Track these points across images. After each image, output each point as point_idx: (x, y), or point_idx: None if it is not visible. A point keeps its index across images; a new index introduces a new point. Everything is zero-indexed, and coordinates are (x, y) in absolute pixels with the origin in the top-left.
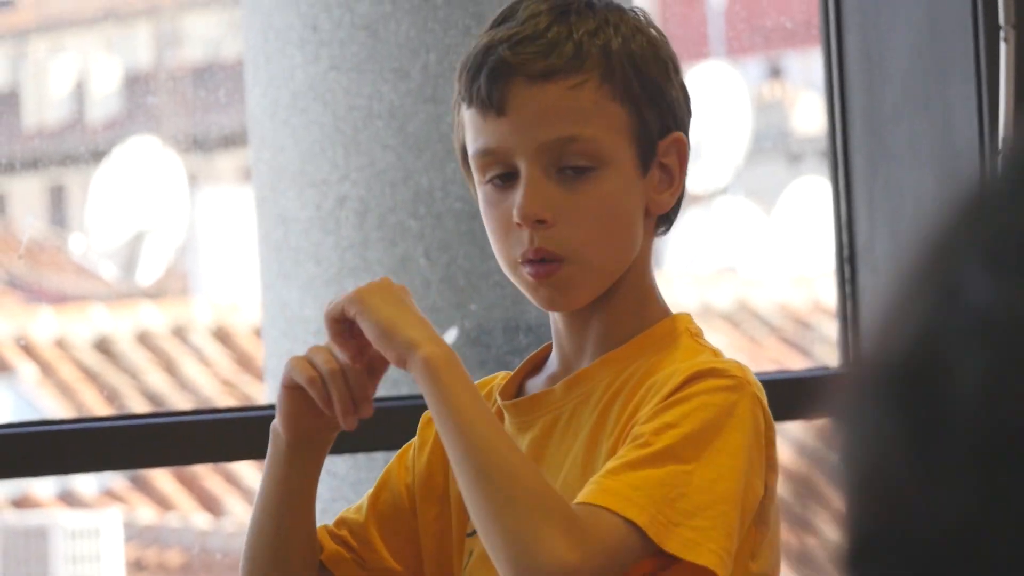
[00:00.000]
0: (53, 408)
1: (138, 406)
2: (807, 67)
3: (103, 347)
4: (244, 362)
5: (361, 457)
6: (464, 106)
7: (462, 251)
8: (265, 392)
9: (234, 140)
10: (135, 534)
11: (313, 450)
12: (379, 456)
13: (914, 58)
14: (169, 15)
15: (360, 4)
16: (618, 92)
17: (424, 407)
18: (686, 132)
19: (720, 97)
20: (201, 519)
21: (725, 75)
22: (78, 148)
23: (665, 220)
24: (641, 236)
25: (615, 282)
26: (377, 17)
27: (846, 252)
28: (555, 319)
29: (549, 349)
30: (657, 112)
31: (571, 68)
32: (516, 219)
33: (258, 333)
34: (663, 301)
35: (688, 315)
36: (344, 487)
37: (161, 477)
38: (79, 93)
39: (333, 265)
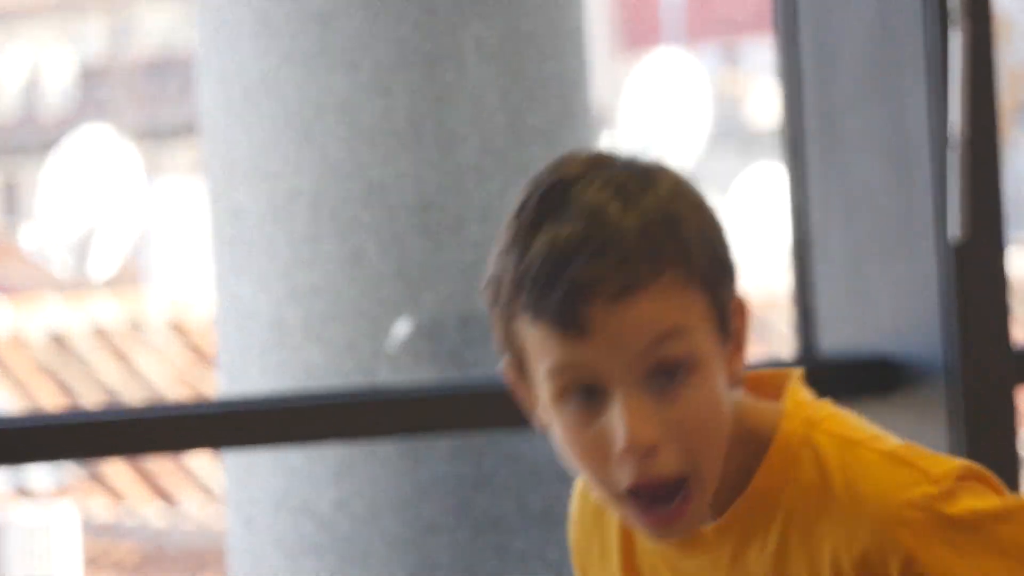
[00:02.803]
0: (7, 402)
1: (93, 399)
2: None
3: (57, 340)
4: (200, 355)
5: (314, 452)
6: (526, 317)
7: (415, 244)
8: (218, 385)
9: (189, 131)
10: (90, 529)
11: None
12: (331, 450)
13: (867, 47)
14: (123, 8)
15: None
16: (700, 284)
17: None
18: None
19: (678, 83)
20: (157, 513)
21: (682, 62)
22: (31, 140)
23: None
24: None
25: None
26: (328, 10)
27: (799, 242)
28: None
29: None
30: (727, 281)
31: (653, 276)
32: (622, 448)
33: (213, 326)
34: (757, 409)
35: (796, 395)
36: (296, 479)
37: (117, 472)
38: (32, 86)
39: (286, 258)
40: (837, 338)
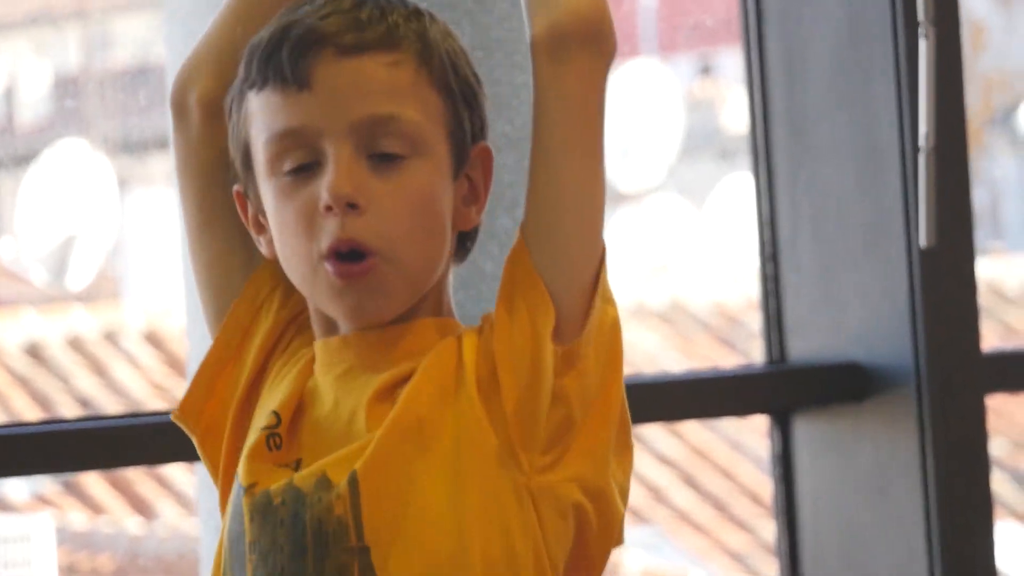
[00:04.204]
0: None
1: (69, 411)
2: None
3: (33, 352)
4: (175, 366)
5: None
6: (252, 93)
7: None
8: None
9: (164, 143)
10: (67, 539)
11: None
12: None
13: (834, 56)
14: (98, 18)
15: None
16: (436, 80)
17: None
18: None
19: (652, 95)
20: (133, 523)
21: (656, 72)
22: (7, 151)
23: (464, 243)
24: (449, 247)
25: (414, 305)
26: None
27: (768, 250)
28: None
29: None
30: (469, 114)
31: (387, 44)
32: (325, 202)
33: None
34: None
35: None
36: None
37: (93, 482)
38: (8, 96)
39: None
40: (807, 345)
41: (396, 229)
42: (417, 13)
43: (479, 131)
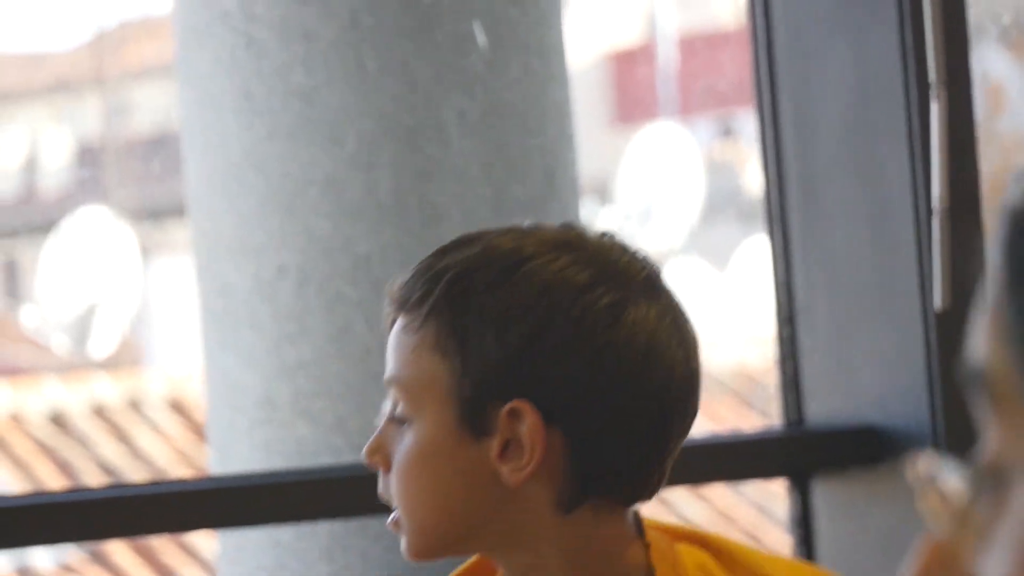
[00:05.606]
0: (7, 482)
1: (93, 478)
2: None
3: (57, 420)
4: (199, 432)
5: (305, 528)
6: None
7: None
8: (210, 461)
9: (185, 211)
10: None
11: None
12: (323, 526)
13: (846, 118)
14: (116, 86)
15: (294, 72)
16: (440, 343)
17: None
18: (545, 399)
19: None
20: None
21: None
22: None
23: (581, 492)
24: (489, 504)
25: (528, 553)
26: (311, 85)
27: (785, 312)
28: None
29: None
30: (480, 375)
31: (405, 309)
32: None
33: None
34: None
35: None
36: (288, 555)
37: (118, 550)
38: (29, 165)
39: (273, 334)
40: (824, 407)
41: (399, 488)
42: (440, 276)
43: (508, 390)
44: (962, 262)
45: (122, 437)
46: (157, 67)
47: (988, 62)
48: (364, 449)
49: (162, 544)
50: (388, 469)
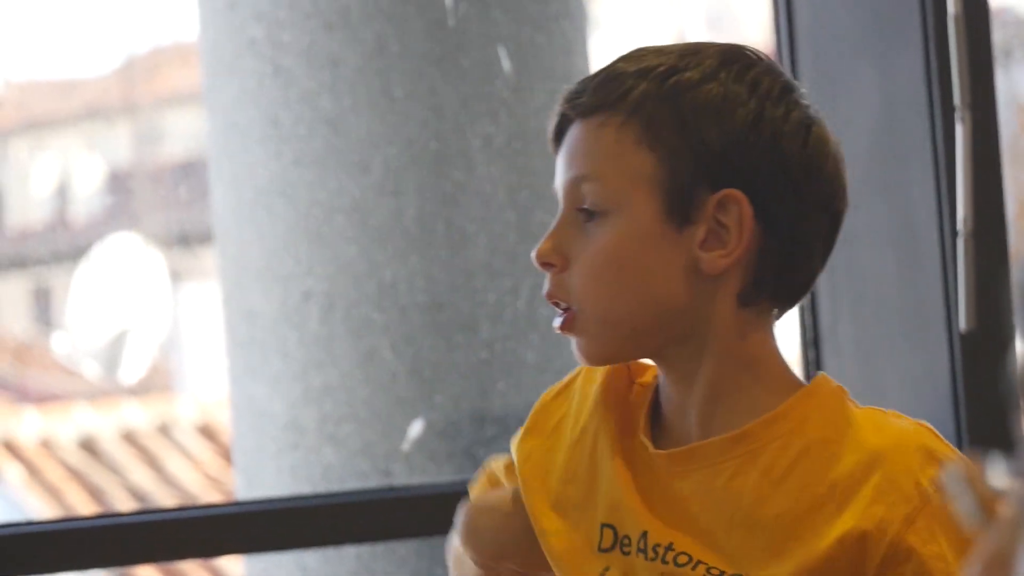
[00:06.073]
0: (39, 508)
1: (123, 504)
2: None
3: (87, 446)
4: (229, 457)
5: (331, 552)
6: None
7: (427, 343)
8: (236, 487)
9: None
10: None
11: None
12: (349, 550)
13: (872, 140)
14: (148, 112)
15: (320, 99)
16: (645, 137)
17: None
18: (756, 191)
19: None
20: None
21: None
22: (60, 246)
23: (758, 289)
24: (683, 293)
25: (692, 348)
26: (338, 112)
27: (810, 335)
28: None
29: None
30: (696, 163)
31: (599, 108)
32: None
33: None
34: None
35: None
36: None
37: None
38: (61, 192)
39: (299, 359)
40: None
41: (579, 284)
42: (646, 74)
43: (721, 179)
44: (987, 284)
45: (152, 463)
46: (188, 94)
47: (1019, 85)
48: (537, 250)
49: (191, 569)
50: (564, 268)
